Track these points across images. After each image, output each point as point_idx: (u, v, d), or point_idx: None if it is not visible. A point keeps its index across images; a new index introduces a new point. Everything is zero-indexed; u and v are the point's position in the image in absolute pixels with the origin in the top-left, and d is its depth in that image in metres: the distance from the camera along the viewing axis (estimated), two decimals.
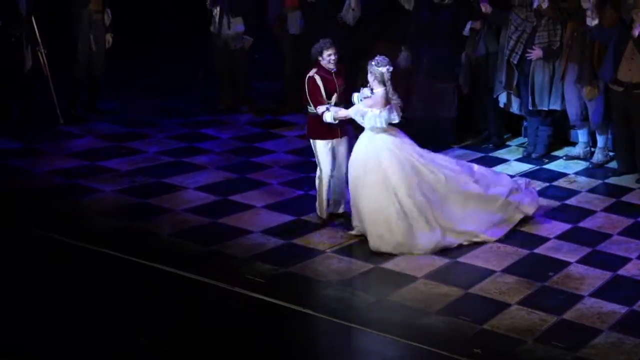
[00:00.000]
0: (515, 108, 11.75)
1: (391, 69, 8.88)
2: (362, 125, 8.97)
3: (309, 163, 10.96)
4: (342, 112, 9.05)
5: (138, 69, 14.78)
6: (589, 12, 10.75)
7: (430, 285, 8.14)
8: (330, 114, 9.05)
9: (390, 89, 8.90)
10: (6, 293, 7.60)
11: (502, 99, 11.74)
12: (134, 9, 16.01)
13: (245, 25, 12.83)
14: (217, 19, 12.77)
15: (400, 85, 11.82)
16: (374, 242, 8.82)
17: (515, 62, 11.31)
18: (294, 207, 9.71)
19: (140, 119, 12.58)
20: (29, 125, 11.71)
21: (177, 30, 15.67)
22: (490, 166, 11.16)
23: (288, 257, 8.59)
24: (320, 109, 9.08)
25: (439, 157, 9.36)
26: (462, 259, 8.68)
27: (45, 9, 11.83)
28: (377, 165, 8.84)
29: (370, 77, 8.92)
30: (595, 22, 10.72)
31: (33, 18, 11.53)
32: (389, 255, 8.71)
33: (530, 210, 9.54)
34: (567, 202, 10.27)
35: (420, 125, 11.83)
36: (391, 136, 8.98)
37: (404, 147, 8.99)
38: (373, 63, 8.89)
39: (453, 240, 8.94)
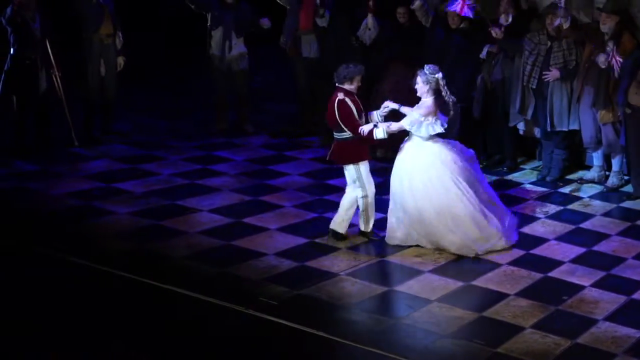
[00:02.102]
0: (537, 133, 11.73)
1: (442, 75, 9.21)
2: (417, 134, 9.21)
3: (323, 185, 11.00)
4: (395, 126, 9.22)
5: (152, 91, 14.84)
6: (601, 59, 10.70)
7: (444, 308, 8.08)
8: (381, 130, 9.15)
9: (444, 96, 9.21)
10: (21, 314, 7.59)
11: (521, 125, 11.74)
12: (147, 33, 16.11)
13: (246, 45, 12.93)
14: (220, 42, 12.83)
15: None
16: (450, 241, 9.14)
17: (534, 86, 11.27)
18: (308, 230, 9.69)
19: (154, 141, 12.62)
20: (45, 148, 11.77)
21: (189, 52, 15.73)
22: (504, 189, 11.24)
23: (301, 279, 8.53)
24: (367, 127, 9.16)
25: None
26: (475, 282, 8.63)
27: (59, 32, 11.85)
28: (427, 170, 9.16)
29: (421, 86, 9.21)
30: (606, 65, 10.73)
31: (47, 41, 11.59)
32: (402, 279, 8.68)
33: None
34: (582, 225, 10.22)
35: None
36: (437, 144, 9.30)
37: (449, 154, 9.28)
38: (426, 71, 9.19)
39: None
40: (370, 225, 9.52)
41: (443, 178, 9.17)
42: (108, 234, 9.37)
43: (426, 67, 9.27)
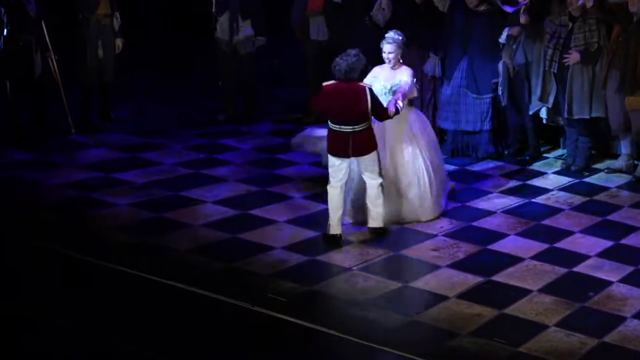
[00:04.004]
0: (561, 121, 11.58)
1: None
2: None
3: None
4: (401, 97, 9.47)
5: (152, 75, 14.86)
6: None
7: (463, 305, 7.94)
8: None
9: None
10: (16, 309, 7.49)
11: (543, 113, 11.59)
12: (147, 15, 16.34)
13: (254, 27, 12.90)
14: (226, 25, 12.78)
15: (429, 92, 11.68)
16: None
17: (555, 71, 11.12)
18: (318, 222, 9.53)
19: (156, 128, 12.63)
20: (40, 135, 11.76)
21: (191, 36, 15.74)
22: (528, 179, 11.18)
23: (311, 274, 8.44)
24: (391, 106, 9.24)
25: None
26: (496, 278, 8.49)
27: (56, 12, 11.89)
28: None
29: (396, 53, 9.60)
30: None
31: (43, 22, 11.55)
32: (418, 274, 8.58)
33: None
34: (609, 217, 10.08)
35: (456, 137, 11.86)
36: None
37: None
38: (396, 36, 9.63)
39: None
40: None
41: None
42: (107, 226, 9.27)
43: (393, 33, 9.62)
